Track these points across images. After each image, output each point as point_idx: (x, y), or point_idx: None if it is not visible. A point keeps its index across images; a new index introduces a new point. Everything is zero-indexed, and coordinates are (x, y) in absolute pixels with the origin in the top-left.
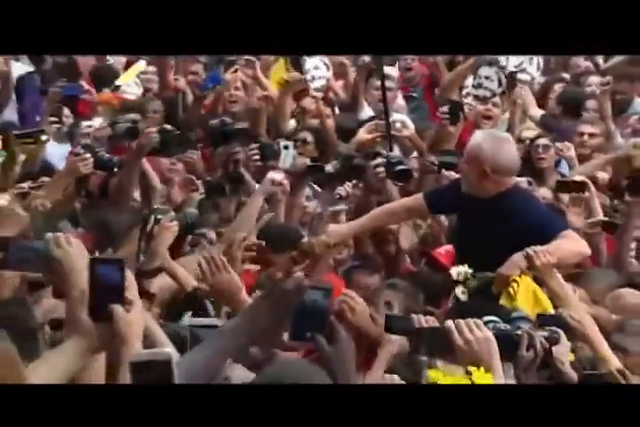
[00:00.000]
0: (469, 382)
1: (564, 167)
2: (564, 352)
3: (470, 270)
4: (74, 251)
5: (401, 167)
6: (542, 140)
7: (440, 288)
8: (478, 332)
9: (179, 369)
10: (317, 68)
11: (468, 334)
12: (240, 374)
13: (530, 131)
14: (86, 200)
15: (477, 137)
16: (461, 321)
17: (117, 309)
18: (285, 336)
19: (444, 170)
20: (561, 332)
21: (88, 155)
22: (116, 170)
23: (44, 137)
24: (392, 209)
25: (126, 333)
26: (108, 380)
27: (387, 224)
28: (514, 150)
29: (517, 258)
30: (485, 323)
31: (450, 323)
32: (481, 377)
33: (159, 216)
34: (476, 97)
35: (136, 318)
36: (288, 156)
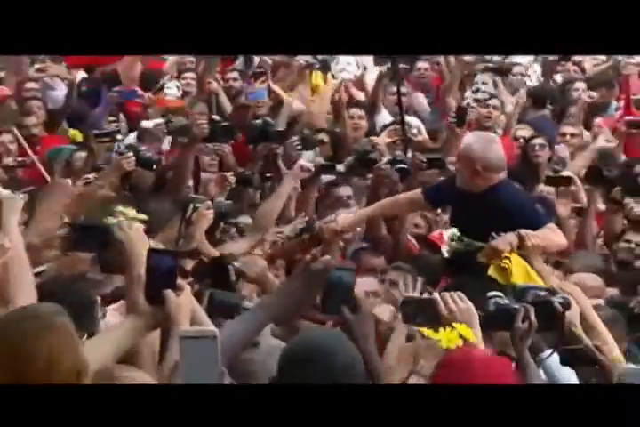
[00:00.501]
0: (455, 335)
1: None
2: (575, 315)
3: (458, 233)
4: (134, 234)
5: (400, 166)
6: (538, 140)
7: (438, 270)
8: (461, 303)
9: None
10: (349, 63)
11: (451, 304)
12: (268, 340)
13: (524, 130)
14: (129, 193)
15: (468, 139)
16: (446, 293)
17: (170, 293)
18: (315, 311)
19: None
20: (570, 298)
21: (130, 153)
22: (155, 167)
23: (119, 136)
24: (396, 201)
25: (176, 314)
26: (160, 353)
27: (392, 214)
28: (501, 150)
29: (510, 236)
30: (490, 298)
31: (436, 295)
32: (464, 331)
33: (197, 205)
34: (477, 100)
35: (185, 302)
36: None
